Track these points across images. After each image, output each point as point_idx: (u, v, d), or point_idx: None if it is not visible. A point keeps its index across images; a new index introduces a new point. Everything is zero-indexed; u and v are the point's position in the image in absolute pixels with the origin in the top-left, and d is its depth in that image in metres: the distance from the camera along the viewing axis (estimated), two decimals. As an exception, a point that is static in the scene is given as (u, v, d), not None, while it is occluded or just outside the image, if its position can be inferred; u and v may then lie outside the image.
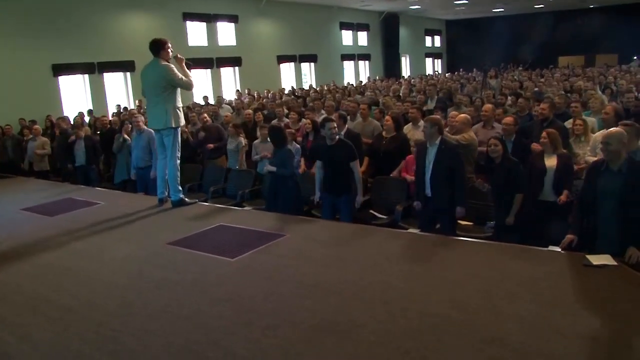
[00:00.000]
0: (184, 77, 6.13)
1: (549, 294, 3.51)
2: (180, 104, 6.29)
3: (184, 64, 6.25)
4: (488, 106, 7.63)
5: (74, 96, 15.92)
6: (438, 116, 6.29)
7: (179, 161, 6.47)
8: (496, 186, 5.38)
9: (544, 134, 5.61)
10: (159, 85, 6.08)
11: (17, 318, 3.65)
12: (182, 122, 6.40)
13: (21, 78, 13.95)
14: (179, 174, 6.46)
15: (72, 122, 11.69)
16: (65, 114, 14.07)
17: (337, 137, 6.17)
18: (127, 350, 3.11)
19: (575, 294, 3.52)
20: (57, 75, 15.04)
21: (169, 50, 6.21)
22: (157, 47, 6.16)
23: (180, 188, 6.50)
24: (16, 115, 12.95)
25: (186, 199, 6.53)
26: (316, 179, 6.37)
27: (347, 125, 7.50)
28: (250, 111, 10.45)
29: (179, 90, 6.23)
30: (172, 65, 6.14)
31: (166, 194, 6.53)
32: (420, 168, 5.61)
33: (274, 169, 6.46)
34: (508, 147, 6.21)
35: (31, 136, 10.82)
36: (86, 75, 15.85)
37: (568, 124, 6.89)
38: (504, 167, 5.23)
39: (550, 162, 5.41)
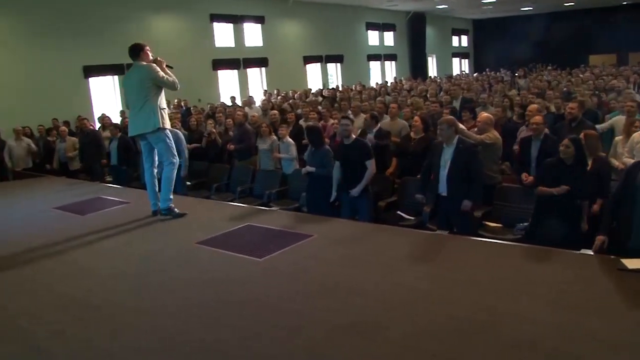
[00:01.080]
0: (167, 76, 5.82)
1: (580, 298, 3.43)
2: (164, 106, 5.95)
3: (164, 66, 5.89)
4: (533, 106, 7.48)
5: (104, 97, 16.14)
6: (452, 117, 6.23)
7: (176, 166, 6.06)
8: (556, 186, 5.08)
9: (581, 135, 5.48)
10: (143, 87, 5.74)
11: (49, 315, 3.70)
12: (168, 124, 5.98)
13: (53, 79, 14.20)
14: (173, 179, 6.04)
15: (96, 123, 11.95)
16: (95, 115, 14.34)
17: (353, 136, 6.18)
18: (155, 348, 3.13)
19: (609, 298, 3.43)
20: (88, 76, 15.28)
21: (149, 52, 5.89)
22: (136, 50, 5.82)
23: (172, 197, 6.05)
24: (49, 116, 13.21)
25: (176, 210, 6.05)
26: (333, 179, 6.36)
27: (379, 125, 7.50)
28: (275, 112, 10.48)
29: (163, 92, 5.91)
30: (155, 65, 5.80)
31: (159, 205, 6.15)
32: (435, 167, 5.61)
33: (313, 169, 6.46)
34: (535, 146, 6.15)
35: (58, 137, 11.09)
36: (115, 77, 16.06)
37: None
38: (576, 170, 5.01)
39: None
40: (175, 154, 6.08)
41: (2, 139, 11.99)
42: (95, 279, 4.36)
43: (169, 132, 6.02)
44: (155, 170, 6.14)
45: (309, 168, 6.55)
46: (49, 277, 4.48)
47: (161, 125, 5.81)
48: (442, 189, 5.53)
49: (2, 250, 5.23)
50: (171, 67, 6.02)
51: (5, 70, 13.40)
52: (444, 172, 5.50)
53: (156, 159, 6.13)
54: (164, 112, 5.91)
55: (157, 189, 6.13)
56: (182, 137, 8.24)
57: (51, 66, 14.19)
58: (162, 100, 5.93)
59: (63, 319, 3.60)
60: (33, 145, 11.39)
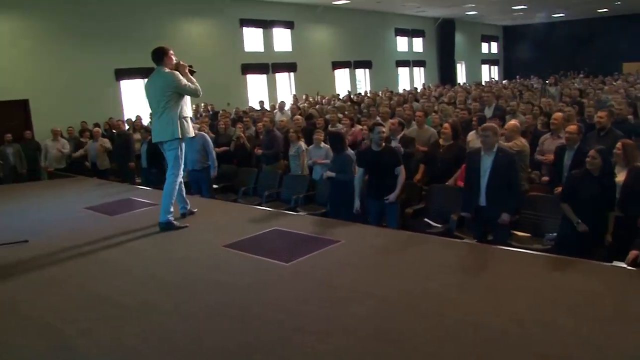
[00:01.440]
0: (190, 84, 5.74)
1: (612, 311, 3.35)
2: (187, 114, 5.85)
3: (187, 71, 5.83)
4: (558, 114, 7.39)
5: (134, 100, 16.37)
6: (495, 125, 6.15)
7: (179, 179, 5.88)
8: (583, 200, 5.03)
9: (618, 144, 5.37)
10: (164, 95, 5.64)
11: (78, 313, 3.75)
12: (191, 133, 5.92)
13: (86, 82, 14.48)
14: (175, 192, 5.84)
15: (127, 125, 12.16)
16: (126, 118, 14.56)
17: (383, 143, 6.15)
18: (182, 350, 3.14)
19: (641, 312, 3.34)
20: (119, 79, 15.52)
21: (172, 57, 5.80)
22: (160, 54, 5.73)
23: (172, 210, 5.83)
24: (81, 118, 13.47)
25: (175, 223, 5.82)
26: (355, 185, 6.30)
27: (403, 131, 7.46)
28: (299, 117, 10.51)
29: (187, 99, 5.85)
30: (177, 72, 5.71)
31: (188, 207, 6.20)
32: (474, 177, 5.48)
33: (333, 174, 6.46)
34: (569, 156, 6.05)
35: (90, 139, 11.31)
36: (146, 80, 16.23)
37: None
38: (602, 181, 4.94)
39: (620, 176, 5.15)
40: (182, 166, 5.94)
41: (36, 140, 12.27)
42: (124, 279, 4.40)
43: (183, 144, 5.91)
44: (181, 175, 5.99)
45: (329, 173, 6.55)
46: (78, 276, 4.54)
47: (179, 135, 5.71)
48: (482, 200, 5.39)
49: (34, 249, 5.33)
50: (194, 72, 5.98)
51: (41, 72, 13.69)
52: (483, 182, 5.37)
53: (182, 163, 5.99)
54: (186, 120, 5.81)
55: (183, 192, 6.13)
56: (209, 140, 8.29)
57: (84, 69, 14.47)
58: (186, 108, 5.85)
59: (92, 318, 3.65)
60: (67, 147, 11.60)
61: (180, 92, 5.68)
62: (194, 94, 5.80)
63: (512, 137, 6.43)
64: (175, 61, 5.80)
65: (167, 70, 5.70)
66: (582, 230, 4.98)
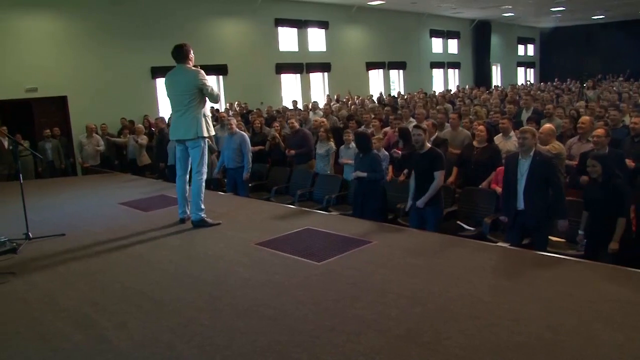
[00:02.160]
0: (212, 87, 5.76)
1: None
2: (208, 113, 5.89)
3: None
4: (586, 118, 7.25)
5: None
6: (527, 128, 6.04)
7: (204, 176, 5.96)
8: (593, 205, 5.12)
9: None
10: (189, 92, 5.65)
11: (114, 306, 3.83)
12: (212, 132, 5.95)
13: (123, 80, 14.72)
14: (203, 190, 5.90)
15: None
16: (161, 115, 14.75)
17: (428, 145, 6.09)
18: (214, 345, 3.17)
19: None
20: (155, 77, 15.71)
21: (193, 56, 5.83)
22: (183, 52, 5.74)
23: (203, 207, 5.88)
24: (117, 114, 13.69)
25: (209, 220, 5.90)
26: (410, 187, 6.26)
27: (437, 133, 7.40)
28: (324, 119, 10.51)
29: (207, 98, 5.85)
30: (203, 71, 5.75)
31: (187, 212, 6.06)
32: (511, 181, 5.39)
33: (364, 174, 6.44)
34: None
35: (130, 136, 11.50)
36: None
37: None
38: (607, 186, 4.96)
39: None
40: (206, 164, 5.98)
41: (73, 136, 12.52)
42: (158, 275, 4.47)
43: (208, 141, 5.99)
44: (187, 179, 6.06)
45: (359, 173, 6.53)
46: (114, 270, 4.64)
47: (204, 134, 5.74)
48: (520, 204, 5.30)
49: (71, 242, 5.47)
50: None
51: (80, 70, 13.96)
52: (520, 186, 5.28)
53: (189, 167, 6.01)
54: (208, 119, 5.86)
55: (187, 196, 6.06)
56: (248, 141, 8.34)
57: (121, 67, 14.71)
58: (207, 108, 5.88)
59: (126, 311, 3.72)
60: (102, 143, 11.82)
61: (203, 92, 5.70)
62: (215, 99, 5.84)
63: (547, 140, 6.32)
64: (193, 60, 5.85)
65: (192, 67, 5.73)
66: (579, 241, 5.27)
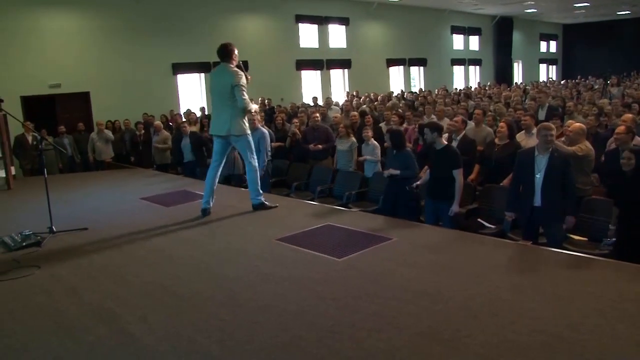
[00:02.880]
0: (245, 94, 5.88)
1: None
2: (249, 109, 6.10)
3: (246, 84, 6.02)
4: (628, 116, 7.14)
5: (190, 94, 16.70)
6: (551, 124, 5.97)
7: (256, 164, 6.24)
8: (623, 201, 5.04)
9: None
10: (226, 91, 5.88)
11: (135, 300, 3.86)
12: (247, 130, 6.10)
13: (145, 76, 14.88)
14: (258, 177, 6.25)
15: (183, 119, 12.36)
16: (181, 111, 14.86)
17: (444, 142, 6.08)
18: (235, 340, 3.18)
19: None
20: (176, 73, 15.85)
21: (236, 56, 6.02)
22: (227, 52, 5.96)
23: (261, 191, 6.34)
24: (139, 110, 13.82)
25: (267, 203, 6.33)
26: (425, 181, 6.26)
27: (464, 131, 7.35)
28: (356, 113, 10.49)
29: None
30: (242, 73, 5.94)
31: (211, 204, 6.23)
32: (528, 177, 5.34)
33: (397, 172, 6.41)
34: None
35: (143, 131, 11.58)
36: (202, 74, 16.57)
37: None
38: (638, 182, 4.88)
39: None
40: (254, 155, 6.24)
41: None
42: (179, 269, 4.49)
43: (249, 137, 6.16)
44: (219, 172, 6.29)
45: (392, 170, 6.50)
46: (136, 264, 4.68)
47: (235, 133, 5.96)
48: (537, 200, 5.26)
49: (93, 236, 5.54)
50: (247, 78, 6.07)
51: (102, 66, 14.15)
52: (538, 182, 5.23)
53: (223, 161, 6.29)
54: (245, 118, 6.06)
55: (214, 189, 6.24)
56: (267, 136, 8.33)
57: (143, 63, 14.89)
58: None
59: (148, 305, 3.75)
60: (111, 135, 11.90)
61: (235, 92, 5.84)
62: (242, 103, 5.90)
63: (577, 140, 6.20)
64: (237, 60, 6.03)
65: (233, 68, 5.93)
66: (609, 235, 5.17)
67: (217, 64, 6.08)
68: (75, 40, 13.74)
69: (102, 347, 3.19)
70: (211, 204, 6.24)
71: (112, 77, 14.28)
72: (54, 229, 5.60)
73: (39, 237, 5.35)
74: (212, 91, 6.10)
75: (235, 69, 5.94)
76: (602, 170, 6.43)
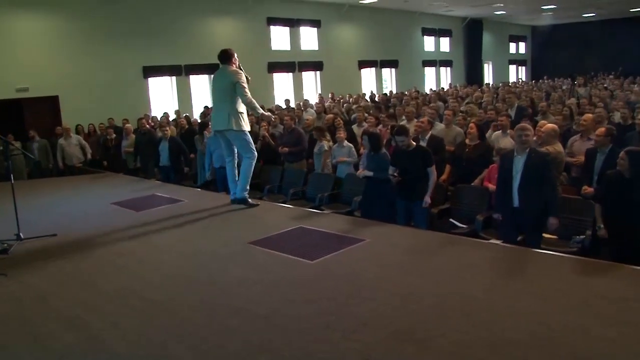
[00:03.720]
0: (247, 92, 6.19)
1: (643, 315, 3.28)
2: (242, 110, 6.30)
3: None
4: (588, 116, 7.28)
5: (162, 97, 16.53)
6: (529, 125, 6.04)
7: (254, 160, 6.49)
8: (617, 201, 4.94)
9: None
10: (226, 89, 6.20)
11: (106, 306, 3.81)
12: (247, 127, 6.39)
13: (115, 79, 14.67)
14: (251, 172, 6.49)
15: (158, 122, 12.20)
16: (153, 115, 14.70)
17: (414, 143, 6.13)
18: (208, 344, 3.16)
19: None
20: (147, 76, 15.68)
21: (237, 59, 6.37)
22: (227, 55, 6.32)
23: (248, 188, 6.53)
24: (109, 114, 13.68)
25: (250, 200, 6.57)
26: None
27: (431, 131, 7.40)
28: (330, 116, 10.50)
29: None
30: (242, 73, 6.26)
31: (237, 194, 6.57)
32: (507, 178, 5.36)
33: (370, 173, 6.43)
34: (600, 159, 5.95)
35: (114, 135, 11.42)
36: (174, 77, 16.42)
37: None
38: (633, 183, 4.82)
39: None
40: (253, 149, 6.48)
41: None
42: (151, 274, 4.45)
43: (247, 133, 6.42)
44: (235, 162, 6.61)
45: (367, 172, 6.52)
46: (106, 270, 4.61)
47: (234, 128, 6.21)
48: (515, 202, 5.26)
49: (62, 243, 5.44)
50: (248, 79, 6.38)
51: (71, 69, 13.90)
52: (515, 184, 5.24)
53: (235, 154, 6.59)
54: (243, 116, 6.29)
55: (237, 179, 6.54)
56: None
57: (113, 66, 14.65)
58: (241, 104, 6.27)
59: (119, 311, 3.70)
60: (83, 141, 11.72)
61: (235, 89, 6.17)
62: (245, 100, 6.22)
63: (549, 141, 6.28)
64: (238, 63, 6.39)
65: (232, 67, 6.28)
66: (601, 236, 5.02)
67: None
68: (44, 43, 13.49)
69: (71, 355, 3.14)
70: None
71: (81, 81, 14.03)
72: (22, 235, 5.47)
73: (5, 245, 5.23)
74: (214, 91, 6.51)
75: (235, 69, 6.27)
76: (582, 169, 6.47)
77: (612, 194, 4.97)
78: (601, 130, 6.12)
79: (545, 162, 5.25)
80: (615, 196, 4.92)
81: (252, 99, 6.26)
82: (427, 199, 5.99)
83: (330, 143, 8.61)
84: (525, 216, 5.23)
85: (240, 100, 6.23)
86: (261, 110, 6.50)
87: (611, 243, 5.04)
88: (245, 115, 6.35)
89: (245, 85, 6.22)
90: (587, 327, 3.16)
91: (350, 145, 8.21)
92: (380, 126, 9.39)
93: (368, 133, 6.90)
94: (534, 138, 6.68)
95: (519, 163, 5.24)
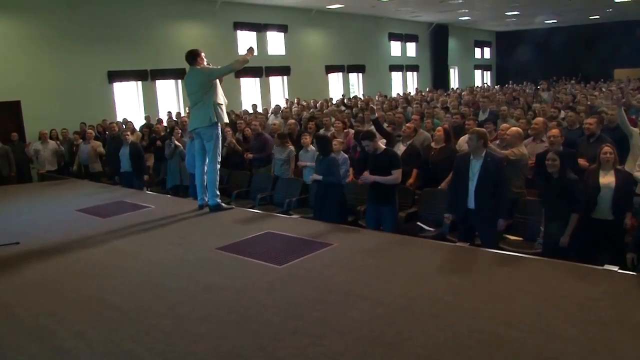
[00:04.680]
0: (220, 67, 6.31)
1: (606, 315, 3.37)
2: (221, 102, 6.37)
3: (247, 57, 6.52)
4: (539, 119, 7.44)
5: (127, 102, 16.32)
6: (484, 129, 6.16)
7: (219, 165, 6.57)
8: (548, 201, 5.31)
9: (606, 149, 5.43)
10: (200, 88, 6.26)
11: (72, 315, 3.74)
12: (225, 119, 6.47)
13: (79, 84, 14.43)
14: (218, 178, 6.56)
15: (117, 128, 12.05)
16: (118, 120, 14.51)
17: (382, 146, 6.20)
18: (177, 352, 3.14)
19: (636, 315, 3.37)
20: (112, 81, 15.46)
21: (204, 58, 6.41)
22: (193, 56, 6.35)
23: (218, 193, 6.59)
24: (74, 119, 13.39)
25: (223, 205, 6.64)
26: None
27: (413, 139, 7.48)
28: (293, 120, 10.52)
29: (218, 88, 6.35)
30: (207, 66, 6.36)
31: (206, 200, 6.58)
32: (462, 180, 5.53)
33: (319, 177, 6.49)
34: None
35: (81, 140, 11.24)
36: (139, 82, 16.23)
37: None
38: (561, 183, 5.13)
39: (607, 179, 5.26)
40: (220, 154, 6.56)
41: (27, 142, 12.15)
42: (118, 282, 4.38)
43: (220, 131, 6.48)
44: (205, 167, 6.56)
45: (315, 176, 6.62)
46: (72, 278, 4.52)
47: (215, 119, 6.25)
48: (470, 203, 5.46)
49: (25, 251, 5.31)
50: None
51: (34, 74, 13.62)
52: (472, 186, 5.43)
53: (206, 158, 6.53)
54: (221, 107, 6.34)
55: (205, 184, 6.56)
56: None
57: (77, 71, 14.41)
58: (219, 95, 6.34)
59: (85, 320, 3.64)
60: (60, 148, 11.56)
61: (214, 79, 6.28)
62: (230, 68, 6.40)
63: (514, 143, 6.40)
64: (206, 62, 6.41)
65: (198, 67, 6.31)
66: (540, 237, 5.42)
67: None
68: (4, 47, 13.19)
69: (36, 366, 3.08)
70: (205, 199, 6.58)
71: (44, 86, 13.77)
72: (-18, 244, 5.36)
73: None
74: (187, 93, 6.54)
75: (201, 66, 6.32)
76: (535, 172, 6.63)
77: (545, 195, 5.41)
78: (554, 131, 6.27)
79: (500, 167, 5.46)
80: (547, 196, 5.37)
81: (228, 65, 6.35)
82: (365, 177, 6.10)
83: (292, 148, 8.66)
84: (479, 217, 5.42)
85: (216, 93, 6.29)
86: (235, 65, 6.47)
87: (547, 241, 5.34)
88: (224, 107, 6.41)
89: (217, 68, 6.31)
90: (552, 327, 3.23)
91: (315, 149, 8.24)
92: (351, 131, 9.45)
93: (317, 137, 6.96)
94: (497, 141, 6.84)
95: (475, 166, 5.41)
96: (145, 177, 9.79)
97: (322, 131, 9.78)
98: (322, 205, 6.56)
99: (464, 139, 7.59)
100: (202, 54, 6.39)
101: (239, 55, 6.59)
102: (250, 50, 6.62)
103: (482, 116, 10.69)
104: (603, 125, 7.52)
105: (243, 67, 6.70)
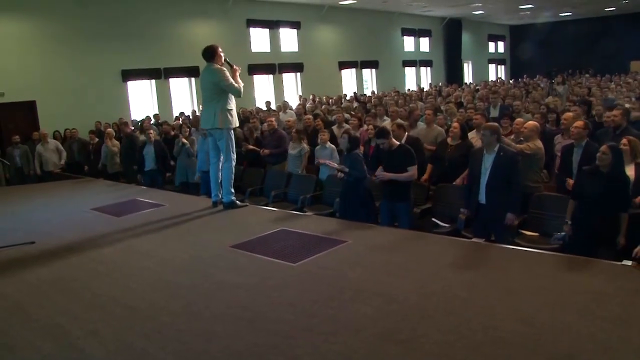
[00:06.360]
0: (234, 83, 6.26)
1: (622, 311, 3.30)
2: (231, 107, 6.37)
3: (237, 75, 6.42)
4: (569, 114, 7.34)
5: (141, 101, 16.41)
6: (496, 124, 6.08)
7: (234, 163, 6.56)
8: (587, 197, 4.94)
9: (624, 140, 5.33)
10: (211, 88, 6.27)
11: (86, 314, 3.74)
12: (235, 124, 6.46)
13: (93, 83, 14.54)
14: (233, 175, 6.55)
15: (133, 127, 12.11)
16: (132, 119, 14.58)
17: (396, 142, 6.14)
18: (191, 350, 3.12)
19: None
20: (126, 80, 15.56)
21: (221, 54, 6.38)
22: (210, 53, 6.34)
23: (233, 190, 6.58)
24: (88, 119, 13.50)
25: (237, 202, 6.66)
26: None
27: (406, 133, 7.40)
28: (310, 117, 10.49)
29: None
30: (225, 69, 6.30)
31: (220, 197, 6.60)
32: (475, 175, 5.51)
33: (346, 169, 6.41)
34: (577, 153, 5.99)
35: (97, 139, 11.31)
36: (153, 81, 16.31)
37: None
38: (610, 179, 4.80)
39: (628, 171, 5.14)
40: (234, 152, 6.56)
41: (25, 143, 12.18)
42: (131, 280, 4.38)
43: (232, 132, 6.48)
44: (221, 164, 6.56)
45: (342, 167, 6.52)
46: (86, 277, 4.53)
47: (219, 126, 6.28)
48: (482, 198, 5.43)
49: (41, 250, 5.33)
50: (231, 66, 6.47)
51: (49, 74, 13.76)
52: (484, 180, 5.40)
53: (221, 155, 6.55)
54: (230, 112, 6.33)
55: (219, 182, 6.59)
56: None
57: (91, 70, 14.54)
58: (230, 102, 6.35)
59: (99, 319, 3.63)
60: (60, 147, 11.63)
61: (222, 88, 6.24)
62: (235, 93, 6.34)
63: (530, 137, 6.33)
64: (223, 59, 6.41)
65: (216, 66, 6.29)
66: (566, 232, 5.06)
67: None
68: (19, 47, 13.32)
69: (50, 365, 3.08)
70: (220, 195, 6.61)
71: (59, 85, 13.90)
72: (-2, 244, 5.39)
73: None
74: (202, 89, 6.50)
75: (219, 67, 6.27)
76: (560, 165, 6.50)
77: (587, 191, 4.96)
78: (579, 123, 6.14)
79: (513, 161, 5.38)
80: (590, 193, 4.91)
81: (239, 87, 6.33)
82: (380, 174, 6.04)
83: (306, 144, 8.62)
84: (490, 212, 5.36)
85: (228, 97, 6.31)
86: (241, 88, 6.43)
87: (577, 239, 5.02)
88: (234, 112, 6.42)
89: (229, 80, 6.24)
90: (569, 323, 3.18)
91: (333, 146, 8.20)
92: (364, 127, 9.40)
93: (349, 134, 6.90)
94: (512, 136, 6.77)
95: (487, 161, 5.38)
96: (168, 174, 9.87)
97: (334, 127, 9.76)
98: (347, 202, 6.48)
99: (472, 134, 7.52)
100: (220, 51, 6.37)
101: (235, 76, 6.40)
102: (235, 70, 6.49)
103: (493, 112, 10.57)
104: (628, 117, 7.37)
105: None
